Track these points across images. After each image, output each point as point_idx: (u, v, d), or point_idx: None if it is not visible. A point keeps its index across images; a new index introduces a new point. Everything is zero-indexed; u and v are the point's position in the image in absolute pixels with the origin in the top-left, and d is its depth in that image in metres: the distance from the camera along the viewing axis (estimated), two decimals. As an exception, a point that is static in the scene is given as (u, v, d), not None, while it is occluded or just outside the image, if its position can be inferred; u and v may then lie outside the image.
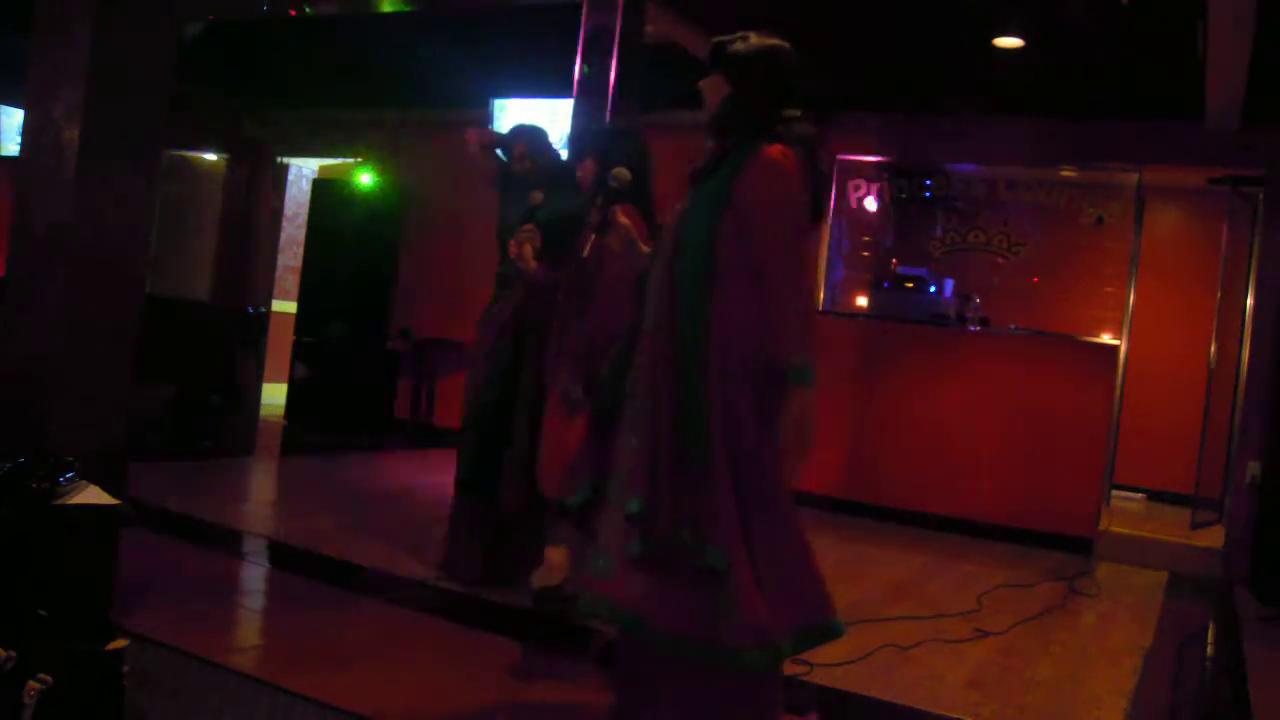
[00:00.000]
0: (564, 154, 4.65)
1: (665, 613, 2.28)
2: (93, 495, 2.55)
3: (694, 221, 2.39)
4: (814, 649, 2.47)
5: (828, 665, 3.45)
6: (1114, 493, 6.99)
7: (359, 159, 8.66)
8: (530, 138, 4.25)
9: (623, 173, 2.81)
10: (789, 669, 3.38)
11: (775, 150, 2.31)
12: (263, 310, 7.85)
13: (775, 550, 2.30)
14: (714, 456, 2.27)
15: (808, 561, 2.37)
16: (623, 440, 2.43)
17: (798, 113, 2.38)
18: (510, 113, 7.14)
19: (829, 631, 2.37)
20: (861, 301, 7.80)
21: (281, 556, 4.38)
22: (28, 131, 3.41)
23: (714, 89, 2.42)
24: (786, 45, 2.43)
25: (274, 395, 8.40)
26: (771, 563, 2.28)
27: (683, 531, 2.28)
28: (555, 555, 3.94)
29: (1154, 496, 7.68)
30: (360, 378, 8.03)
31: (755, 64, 2.39)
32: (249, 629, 3.46)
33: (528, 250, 3.81)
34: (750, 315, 2.32)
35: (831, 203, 7.53)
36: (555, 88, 6.24)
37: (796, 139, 2.33)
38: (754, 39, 2.41)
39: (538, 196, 3.98)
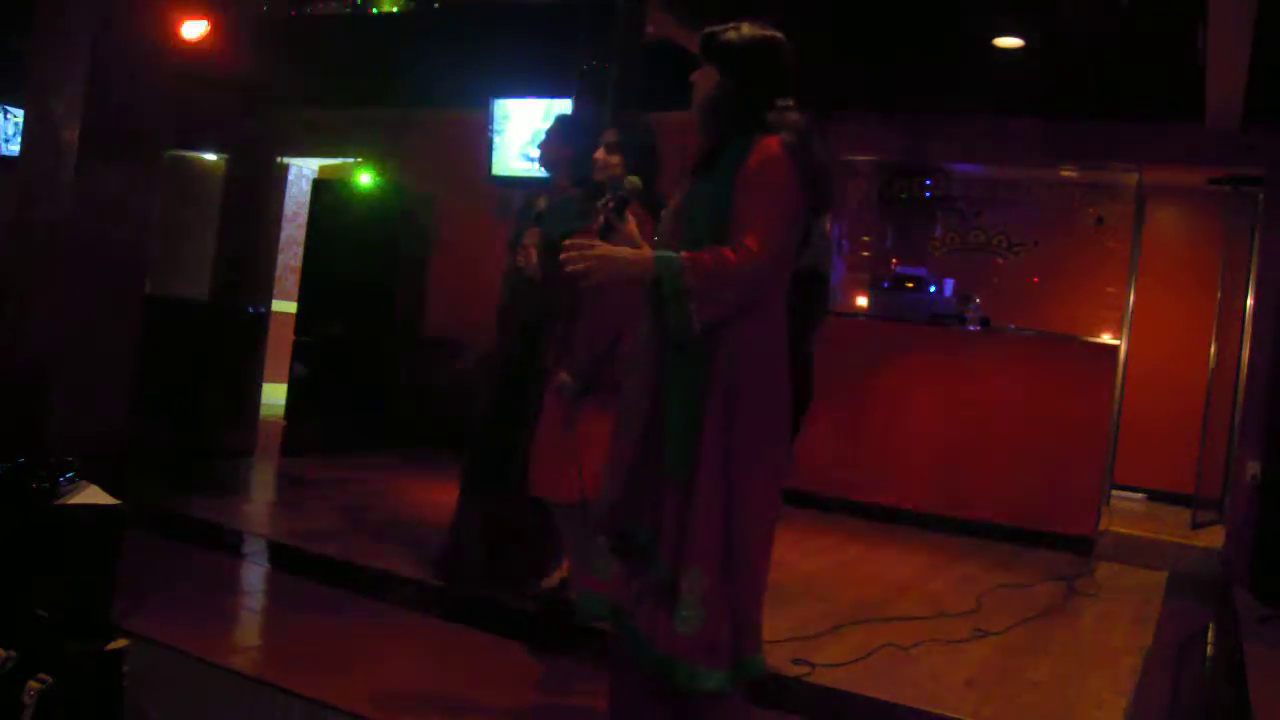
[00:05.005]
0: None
1: (657, 628, 2.19)
2: (93, 495, 2.56)
3: (699, 223, 2.26)
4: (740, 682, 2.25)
5: (828, 665, 3.45)
6: (1114, 493, 6.99)
7: (359, 159, 8.66)
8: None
9: (634, 181, 2.75)
10: (790, 670, 3.40)
11: (774, 141, 2.19)
12: (263, 310, 7.83)
13: (748, 576, 2.19)
14: (700, 470, 2.15)
15: (760, 592, 2.25)
16: (613, 438, 2.37)
17: (791, 102, 2.27)
18: (512, 113, 7.14)
19: (754, 667, 2.20)
20: (861, 301, 7.80)
21: (281, 556, 4.38)
22: (28, 131, 3.41)
23: (705, 80, 2.31)
24: (781, 35, 2.31)
25: (274, 395, 8.38)
26: (742, 588, 2.18)
27: (640, 533, 2.23)
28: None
29: (1154, 496, 7.68)
30: (360, 378, 8.02)
31: (748, 54, 2.28)
32: (249, 629, 3.46)
33: (533, 255, 3.77)
34: (764, 327, 2.21)
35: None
36: (555, 88, 6.24)
37: (789, 127, 2.21)
38: (746, 29, 2.29)
39: (541, 202, 3.95)
